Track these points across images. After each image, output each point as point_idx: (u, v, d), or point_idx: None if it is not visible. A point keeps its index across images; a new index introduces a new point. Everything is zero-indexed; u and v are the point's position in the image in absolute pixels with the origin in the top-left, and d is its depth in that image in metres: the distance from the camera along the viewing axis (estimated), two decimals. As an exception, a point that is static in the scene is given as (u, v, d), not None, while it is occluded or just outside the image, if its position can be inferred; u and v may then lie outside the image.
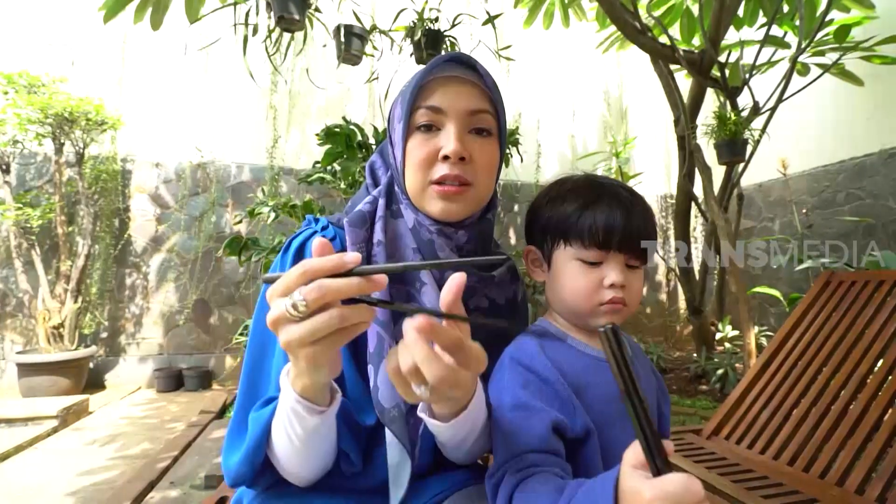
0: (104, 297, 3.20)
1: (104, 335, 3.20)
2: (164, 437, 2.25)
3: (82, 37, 3.19)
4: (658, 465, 0.31)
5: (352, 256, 0.36)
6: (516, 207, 4.17)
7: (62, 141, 2.92)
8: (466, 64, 0.59)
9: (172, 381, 3.16)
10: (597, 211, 0.53)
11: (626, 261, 0.54)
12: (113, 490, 1.70)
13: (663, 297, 4.60)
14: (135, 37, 3.26)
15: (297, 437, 0.46)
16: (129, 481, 1.75)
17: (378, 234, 0.56)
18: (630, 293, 0.54)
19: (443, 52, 2.37)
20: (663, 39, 2.50)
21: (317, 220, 0.62)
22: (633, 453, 0.33)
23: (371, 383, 0.52)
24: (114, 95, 3.20)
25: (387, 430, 0.53)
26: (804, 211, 3.40)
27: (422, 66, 0.59)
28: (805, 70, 2.65)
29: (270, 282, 0.38)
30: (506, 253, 0.69)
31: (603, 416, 0.51)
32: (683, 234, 3.20)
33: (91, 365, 3.09)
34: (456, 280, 0.39)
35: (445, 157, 0.55)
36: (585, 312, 0.55)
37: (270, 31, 2.16)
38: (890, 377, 1.10)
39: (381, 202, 0.58)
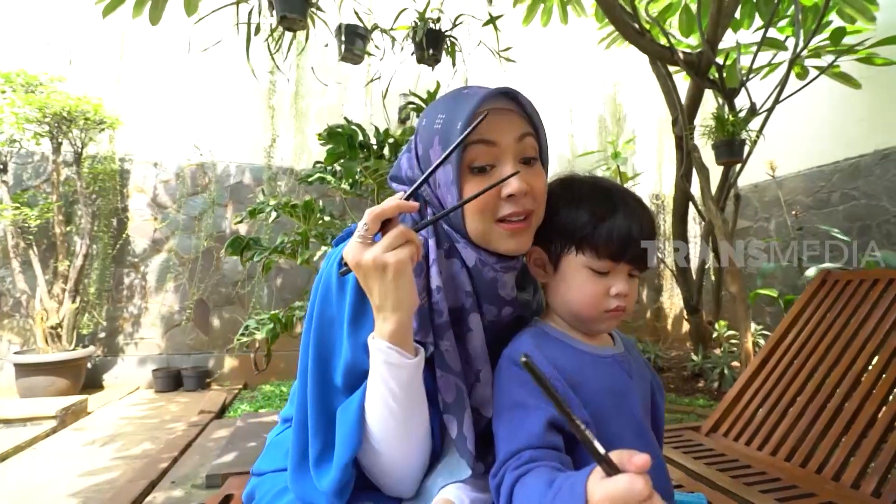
0: (102, 297, 3.19)
1: (102, 335, 3.20)
2: (165, 437, 2.24)
3: (80, 36, 3.18)
4: (605, 467, 0.33)
5: (410, 203, 0.49)
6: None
7: (60, 140, 2.91)
8: (508, 96, 0.58)
9: (171, 381, 3.16)
10: (614, 225, 0.54)
11: (630, 270, 0.56)
12: (114, 490, 1.70)
13: (661, 296, 4.63)
14: (133, 36, 3.26)
15: (394, 396, 0.49)
16: (130, 481, 1.75)
17: (435, 280, 0.55)
18: (630, 300, 0.56)
19: (443, 53, 2.39)
20: (662, 41, 2.52)
21: None
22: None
23: (455, 433, 0.53)
24: (112, 95, 3.19)
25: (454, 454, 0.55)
26: (794, 213, 3.44)
27: (456, 99, 0.57)
28: (804, 73, 2.68)
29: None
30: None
31: (600, 409, 0.53)
32: (681, 233, 3.23)
33: (89, 365, 3.08)
34: None
35: (510, 196, 0.54)
36: (590, 319, 0.57)
37: (273, 30, 2.16)
38: (885, 374, 1.12)
39: (431, 243, 0.57)
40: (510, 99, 0.58)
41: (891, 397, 1.08)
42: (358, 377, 0.53)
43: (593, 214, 0.55)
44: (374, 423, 0.51)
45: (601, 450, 0.33)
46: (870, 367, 1.16)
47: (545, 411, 0.49)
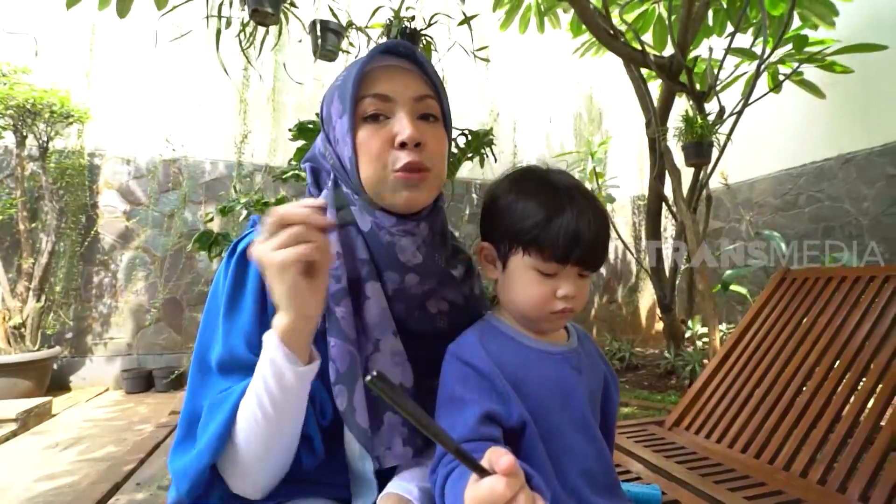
0: (69, 296, 3.09)
1: (69, 335, 3.10)
2: (132, 439, 2.19)
3: (48, 27, 3.08)
4: (477, 472, 0.35)
5: (316, 202, 0.46)
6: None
7: (25, 133, 2.81)
8: (405, 54, 0.57)
9: (142, 381, 3.08)
10: (561, 226, 0.52)
11: (579, 271, 0.54)
12: (75, 493, 1.65)
13: (637, 295, 4.71)
14: (104, 28, 3.17)
15: (271, 400, 0.46)
16: (92, 484, 1.70)
17: (336, 246, 0.55)
18: (578, 300, 0.55)
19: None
20: (636, 45, 2.57)
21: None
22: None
23: (343, 405, 0.52)
24: (81, 88, 3.10)
25: (347, 434, 0.53)
26: (748, 218, 3.56)
27: (357, 58, 0.58)
28: (778, 86, 2.73)
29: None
30: (464, 248, 0.68)
31: (543, 404, 0.53)
32: (654, 233, 3.29)
33: (55, 366, 2.98)
34: None
35: (402, 145, 0.52)
36: (536, 319, 0.56)
37: (245, 25, 2.13)
38: (833, 368, 1.16)
39: (330, 208, 0.55)
40: (410, 59, 0.57)
41: (838, 390, 1.12)
42: (232, 363, 0.52)
43: (539, 214, 0.53)
44: (242, 421, 0.48)
45: (470, 456, 0.34)
46: (821, 362, 1.20)
47: (481, 404, 0.49)
